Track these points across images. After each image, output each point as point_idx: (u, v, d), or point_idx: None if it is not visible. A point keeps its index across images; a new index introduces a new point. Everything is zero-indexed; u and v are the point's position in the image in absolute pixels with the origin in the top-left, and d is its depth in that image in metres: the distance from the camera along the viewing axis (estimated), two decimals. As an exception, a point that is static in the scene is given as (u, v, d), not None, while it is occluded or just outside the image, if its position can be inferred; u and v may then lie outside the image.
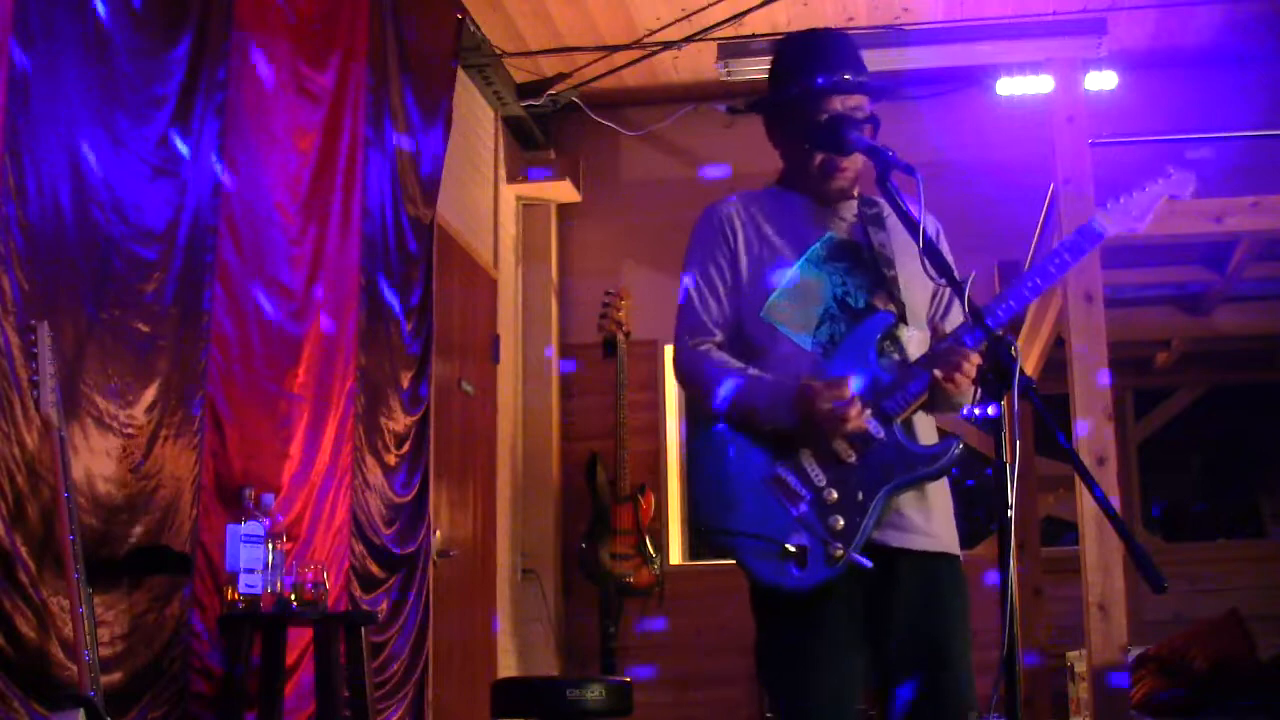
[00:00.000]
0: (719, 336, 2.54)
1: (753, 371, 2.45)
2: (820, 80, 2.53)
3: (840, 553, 2.32)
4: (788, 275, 2.49)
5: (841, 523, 2.34)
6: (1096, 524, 4.54)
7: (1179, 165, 2.53)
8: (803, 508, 2.36)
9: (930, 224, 2.54)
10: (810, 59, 2.58)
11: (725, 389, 2.45)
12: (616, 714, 4.77)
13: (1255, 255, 5.26)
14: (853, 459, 2.36)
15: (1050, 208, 5.22)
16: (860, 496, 2.35)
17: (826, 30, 2.69)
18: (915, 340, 2.49)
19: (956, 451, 2.38)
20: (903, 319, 2.47)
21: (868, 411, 2.36)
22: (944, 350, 2.36)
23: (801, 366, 2.43)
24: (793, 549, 2.34)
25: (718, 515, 2.42)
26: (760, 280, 2.51)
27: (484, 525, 6.17)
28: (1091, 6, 6.01)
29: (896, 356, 2.45)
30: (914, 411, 2.41)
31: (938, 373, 2.34)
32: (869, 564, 2.33)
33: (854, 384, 2.34)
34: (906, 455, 2.37)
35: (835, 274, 2.49)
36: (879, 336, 2.44)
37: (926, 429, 2.48)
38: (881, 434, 2.37)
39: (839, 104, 2.53)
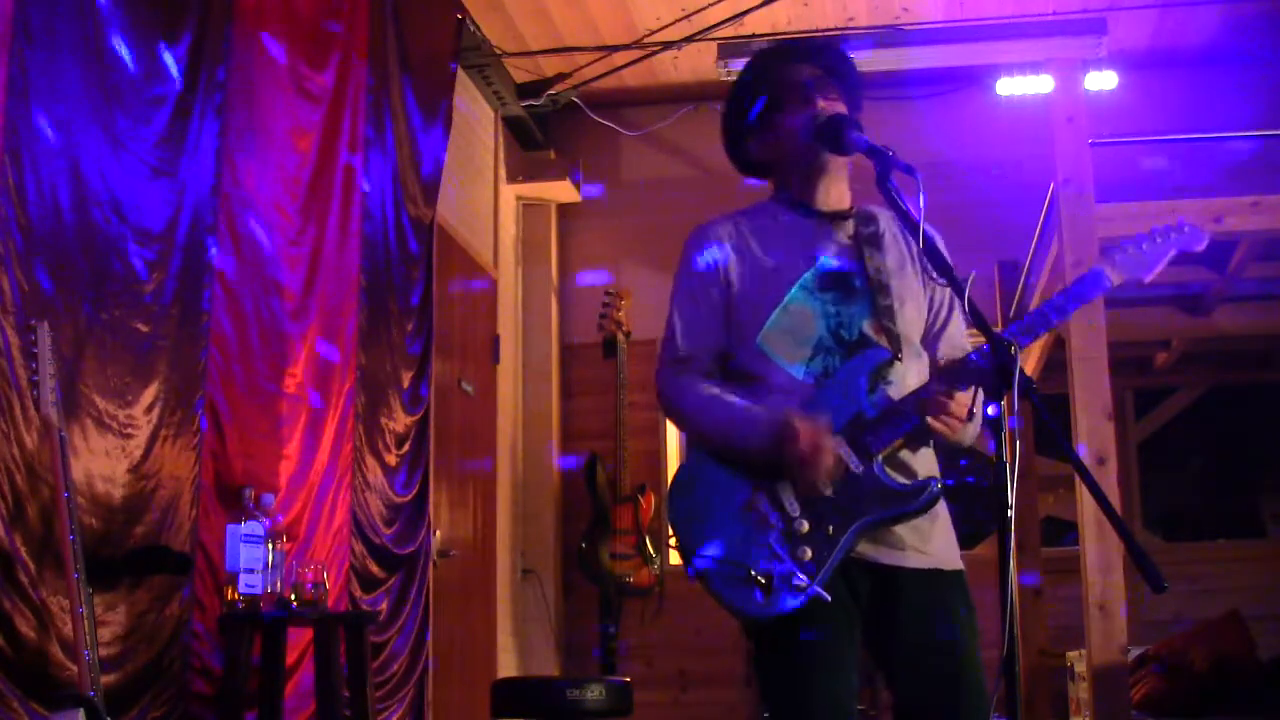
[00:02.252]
0: (705, 364, 2.51)
1: (733, 399, 2.43)
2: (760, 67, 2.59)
3: (803, 584, 2.31)
4: (782, 304, 2.46)
5: (809, 554, 2.33)
6: (1096, 524, 4.54)
7: (1193, 223, 2.53)
8: (773, 536, 2.35)
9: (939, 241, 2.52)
10: (749, 68, 2.65)
11: (707, 420, 2.45)
12: (616, 714, 4.77)
13: (1255, 255, 5.26)
14: (829, 492, 2.35)
15: (1050, 208, 5.22)
16: (831, 530, 2.34)
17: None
18: (911, 373, 2.46)
19: (935, 492, 2.38)
20: (897, 352, 2.44)
21: (842, 468, 2.34)
22: (929, 394, 2.34)
23: (793, 398, 2.41)
24: (759, 577, 2.33)
25: (691, 536, 2.42)
26: (752, 306, 2.48)
27: (484, 525, 6.17)
28: (1091, 6, 6.00)
29: (889, 392, 2.42)
30: (897, 449, 2.40)
31: (929, 420, 2.33)
32: (829, 598, 2.32)
33: (830, 438, 2.33)
34: (882, 492, 2.36)
35: (828, 303, 2.45)
36: (871, 371, 2.41)
37: (923, 460, 2.46)
38: (860, 469, 2.36)
39: (791, 73, 2.54)
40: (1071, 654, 5.86)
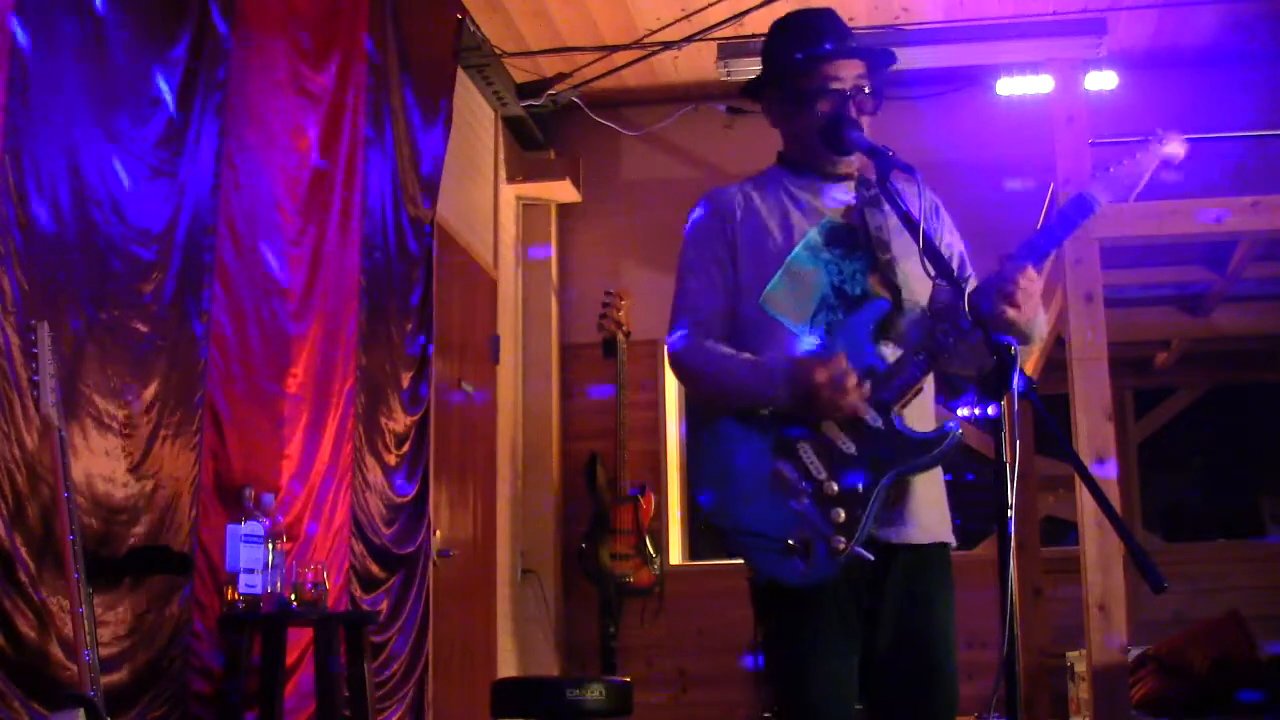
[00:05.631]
0: (715, 327, 2.53)
1: (747, 356, 2.45)
2: (827, 45, 2.52)
3: (843, 546, 2.31)
4: (784, 264, 2.48)
5: (843, 515, 2.33)
6: (1096, 524, 4.54)
7: (1165, 127, 2.51)
8: (804, 502, 2.35)
9: (928, 199, 2.51)
10: (805, 29, 2.59)
11: (723, 377, 2.45)
12: (616, 714, 4.77)
13: (1255, 255, 5.26)
14: (852, 450, 2.36)
15: (1050, 208, 5.22)
16: (860, 488, 2.35)
17: (819, 8, 2.68)
18: (913, 323, 2.47)
19: (957, 437, 2.37)
20: (899, 304, 2.46)
21: (866, 384, 2.34)
22: (1009, 277, 2.33)
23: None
24: (796, 545, 2.33)
25: (722, 512, 2.42)
26: (757, 269, 2.50)
27: (484, 525, 6.17)
28: (1091, 6, 6.01)
29: (893, 344, 2.43)
30: (912, 398, 2.41)
31: (1003, 306, 2.30)
32: (871, 557, 2.32)
33: (844, 359, 2.33)
34: (905, 444, 2.36)
35: (832, 261, 2.48)
36: (875, 325, 2.43)
37: (923, 417, 2.48)
38: (879, 423, 2.36)
39: (839, 70, 2.52)
40: (1071, 654, 5.86)
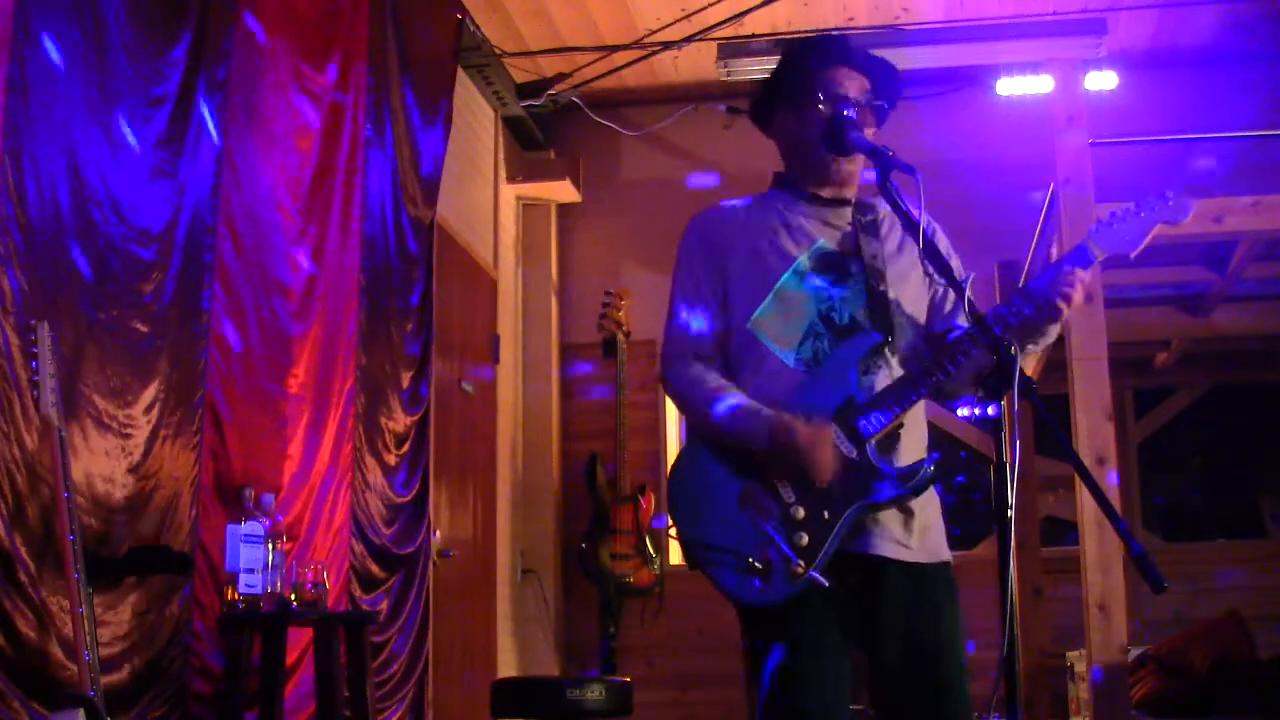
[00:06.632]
0: (707, 351, 2.53)
1: (734, 395, 2.45)
2: (834, 55, 2.55)
3: (801, 570, 2.32)
4: (773, 288, 2.48)
5: (806, 539, 2.34)
6: (1096, 524, 4.55)
7: (1178, 190, 2.51)
8: (770, 523, 2.36)
9: (927, 218, 2.53)
10: (811, 44, 2.63)
11: (709, 411, 2.45)
12: (616, 714, 4.77)
13: (1255, 255, 5.26)
14: (826, 479, 2.36)
15: (1050, 208, 5.22)
16: (826, 515, 2.35)
17: (828, 33, 2.71)
18: (902, 357, 2.48)
19: (929, 473, 2.38)
20: (889, 336, 2.45)
21: (839, 461, 2.35)
22: (1063, 273, 2.36)
23: (784, 383, 2.43)
24: (756, 564, 2.35)
25: (688, 524, 2.44)
26: (748, 290, 2.50)
27: (484, 525, 6.17)
28: (1091, 6, 6.01)
29: (878, 376, 2.43)
30: (889, 433, 2.41)
31: (1058, 301, 2.34)
32: (826, 583, 2.33)
33: (830, 447, 2.33)
34: (876, 476, 2.37)
35: (821, 288, 2.47)
36: (862, 356, 2.43)
37: (913, 444, 2.47)
38: (854, 454, 2.37)
39: (843, 79, 2.53)
40: (1071, 654, 5.86)
